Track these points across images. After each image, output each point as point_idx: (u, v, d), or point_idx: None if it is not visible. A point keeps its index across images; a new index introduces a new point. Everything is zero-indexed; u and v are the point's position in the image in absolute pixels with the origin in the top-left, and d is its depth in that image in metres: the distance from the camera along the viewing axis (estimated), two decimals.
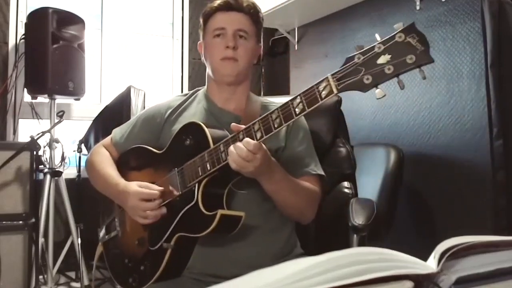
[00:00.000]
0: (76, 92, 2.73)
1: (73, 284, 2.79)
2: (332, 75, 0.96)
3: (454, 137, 2.27)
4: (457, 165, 2.25)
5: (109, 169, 1.38)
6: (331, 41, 3.18)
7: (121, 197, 1.29)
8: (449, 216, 2.26)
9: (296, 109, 1.02)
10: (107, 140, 1.48)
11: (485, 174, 2.03)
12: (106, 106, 2.85)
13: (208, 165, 1.14)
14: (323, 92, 0.97)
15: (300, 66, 3.50)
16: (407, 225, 2.46)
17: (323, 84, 0.97)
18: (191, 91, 1.48)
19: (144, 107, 2.75)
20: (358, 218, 1.46)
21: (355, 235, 1.47)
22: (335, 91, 0.96)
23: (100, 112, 2.83)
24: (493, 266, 0.49)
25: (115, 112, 2.69)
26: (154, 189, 1.23)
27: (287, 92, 3.50)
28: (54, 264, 2.67)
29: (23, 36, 2.78)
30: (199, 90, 1.47)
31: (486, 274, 0.49)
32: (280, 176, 1.19)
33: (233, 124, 1.14)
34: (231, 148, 1.09)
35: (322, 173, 1.36)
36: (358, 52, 0.94)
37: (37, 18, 2.66)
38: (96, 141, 2.73)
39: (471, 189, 2.18)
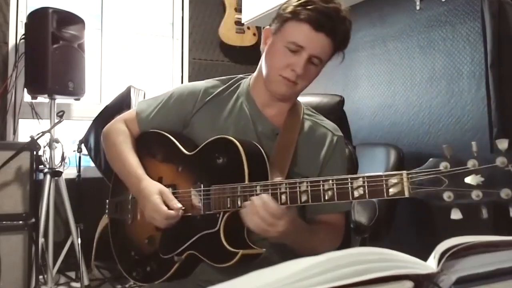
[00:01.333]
0: (76, 92, 2.73)
1: (73, 284, 2.79)
2: (408, 173, 0.83)
3: (454, 137, 2.27)
4: None
5: (130, 156, 1.27)
6: None
7: (139, 195, 1.21)
8: (449, 216, 2.26)
9: (355, 192, 0.90)
10: (130, 114, 1.36)
11: None
12: (106, 106, 2.85)
13: (239, 201, 1.06)
14: (391, 190, 0.85)
15: None
16: (407, 225, 2.45)
17: (394, 180, 0.85)
18: (234, 78, 1.33)
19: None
20: (360, 219, 1.46)
21: (357, 236, 1.47)
22: (406, 194, 0.83)
23: (100, 112, 2.82)
24: (493, 266, 0.49)
25: (115, 112, 2.67)
26: (174, 207, 1.13)
27: None
28: (54, 264, 2.67)
29: (23, 36, 2.79)
30: (242, 79, 1.33)
31: (486, 274, 0.49)
32: (304, 237, 1.11)
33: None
34: (248, 204, 0.99)
35: (350, 208, 1.31)
36: (446, 159, 0.79)
37: (37, 18, 2.66)
38: (96, 141, 2.73)
39: None
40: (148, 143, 1.32)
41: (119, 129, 1.34)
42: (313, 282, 0.41)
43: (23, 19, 2.95)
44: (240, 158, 1.08)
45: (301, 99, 1.61)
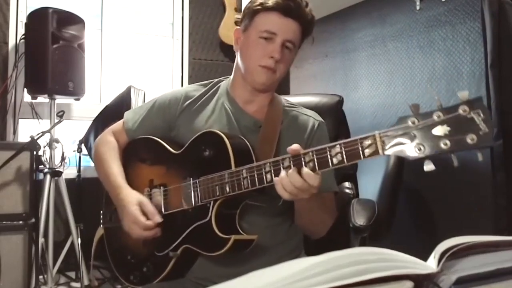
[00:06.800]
0: (76, 92, 2.73)
1: (73, 284, 2.79)
2: (380, 133, 0.88)
3: None
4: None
5: (113, 165, 1.31)
6: (331, 41, 3.18)
7: (119, 204, 1.24)
8: (449, 216, 2.26)
9: (334, 159, 0.94)
10: (118, 125, 1.41)
11: (485, 174, 2.03)
12: (106, 106, 2.85)
13: (227, 187, 1.10)
14: (367, 150, 0.89)
15: (300, 66, 3.50)
16: (407, 225, 2.45)
17: (368, 141, 0.89)
18: (212, 82, 1.39)
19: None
20: (359, 219, 1.46)
21: (356, 236, 1.47)
22: (380, 153, 0.87)
23: (100, 112, 2.82)
24: (493, 266, 0.49)
25: (115, 112, 2.68)
26: (153, 219, 1.17)
27: (287, 92, 3.50)
28: (54, 264, 2.67)
29: (23, 36, 2.78)
30: (221, 81, 1.39)
31: (486, 274, 0.49)
32: (317, 196, 1.15)
33: (290, 149, 1.01)
34: (284, 177, 0.99)
35: (338, 189, 1.33)
36: (413, 115, 0.84)
37: (37, 18, 2.66)
38: None
39: (471, 189, 2.17)
40: (138, 150, 1.36)
41: (106, 140, 1.38)
42: (313, 282, 0.41)
43: (23, 19, 2.95)
44: (225, 147, 1.13)
45: (301, 99, 1.62)
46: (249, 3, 1.27)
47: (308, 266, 0.42)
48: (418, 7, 2.49)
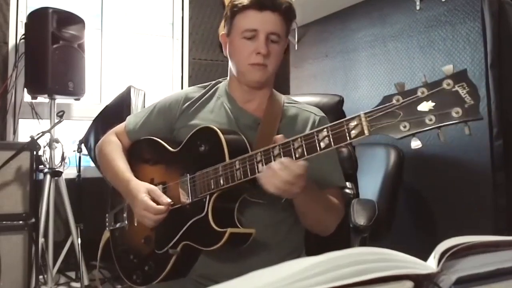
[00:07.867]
0: (76, 92, 2.73)
1: (73, 284, 2.79)
2: (365, 114, 0.87)
3: (454, 137, 2.27)
4: (457, 165, 2.25)
5: (120, 162, 1.35)
6: (331, 41, 3.18)
7: (129, 195, 1.27)
8: (449, 216, 2.26)
9: (321, 143, 0.94)
10: (120, 127, 1.44)
11: (485, 174, 2.03)
12: (106, 106, 2.85)
13: (221, 180, 1.10)
14: (353, 132, 0.89)
15: (300, 66, 3.50)
16: (407, 225, 2.45)
17: (354, 123, 0.89)
18: (211, 83, 1.40)
19: (144, 107, 2.75)
20: (359, 219, 1.46)
21: (356, 236, 1.47)
22: (366, 133, 0.87)
23: (100, 112, 2.83)
24: (493, 266, 0.49)
25: (115, 112, 2.69)
26: (163, 203, 1.19)
27: (287, 92, 3.50)
28: (54, 264, 2.67)
29: (23, 36, 2.79)
30: (219, 82, 1.40)
31: (486, 274, 0.49)
32: (316, 195, 1.15)
33: (277, 136, 1.04)
34: (265, 169, 1.01)
35: (346, 184, 1.33)
36: (397, 93, 0.83)
37: (37, 18, 2.66)
38: (96, 141, 2.72)
39: (471, 189, 2.17)
40: (139, 150, 1.39)
41: (110, 141, 1.42)
42: (313, 282, 0.41)
43: (23, 19, 2.95)
44: (219, 140, 1.14)
45: (301, 99, 1.61)
46: (226, 7, 1.29)
47: (308, 266, 0.42)
48: (418, 7, 2.49)
